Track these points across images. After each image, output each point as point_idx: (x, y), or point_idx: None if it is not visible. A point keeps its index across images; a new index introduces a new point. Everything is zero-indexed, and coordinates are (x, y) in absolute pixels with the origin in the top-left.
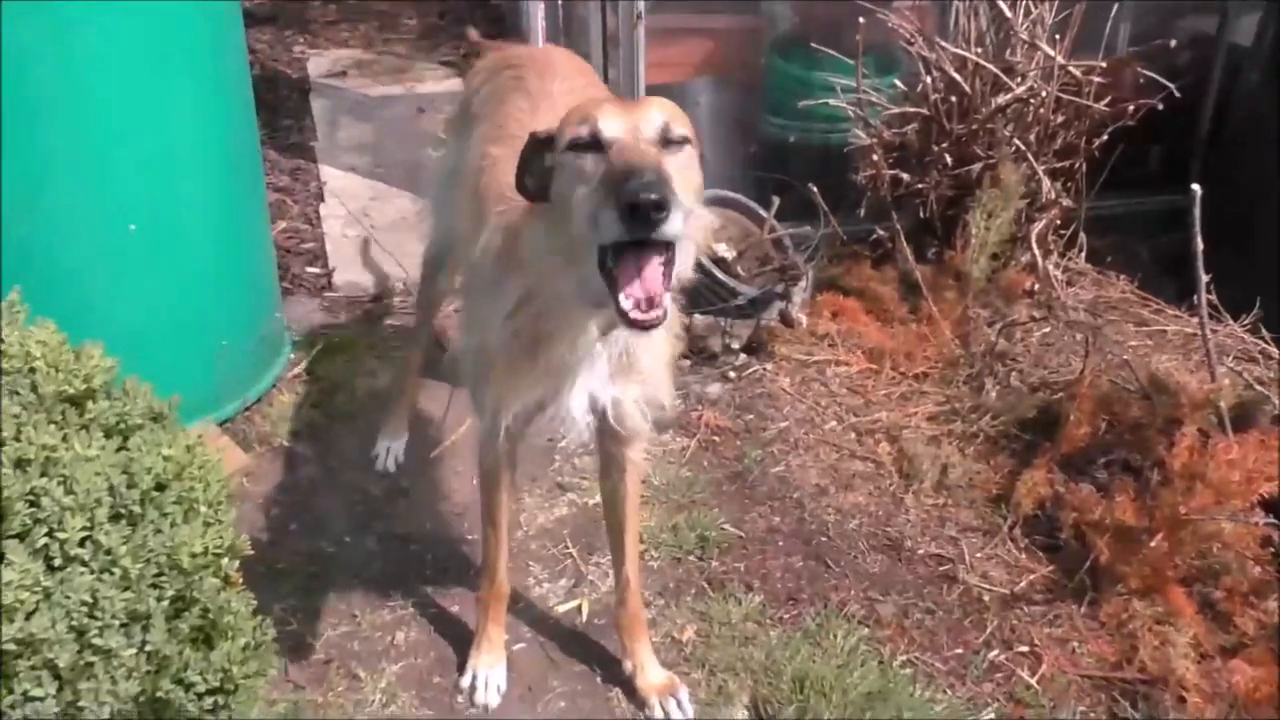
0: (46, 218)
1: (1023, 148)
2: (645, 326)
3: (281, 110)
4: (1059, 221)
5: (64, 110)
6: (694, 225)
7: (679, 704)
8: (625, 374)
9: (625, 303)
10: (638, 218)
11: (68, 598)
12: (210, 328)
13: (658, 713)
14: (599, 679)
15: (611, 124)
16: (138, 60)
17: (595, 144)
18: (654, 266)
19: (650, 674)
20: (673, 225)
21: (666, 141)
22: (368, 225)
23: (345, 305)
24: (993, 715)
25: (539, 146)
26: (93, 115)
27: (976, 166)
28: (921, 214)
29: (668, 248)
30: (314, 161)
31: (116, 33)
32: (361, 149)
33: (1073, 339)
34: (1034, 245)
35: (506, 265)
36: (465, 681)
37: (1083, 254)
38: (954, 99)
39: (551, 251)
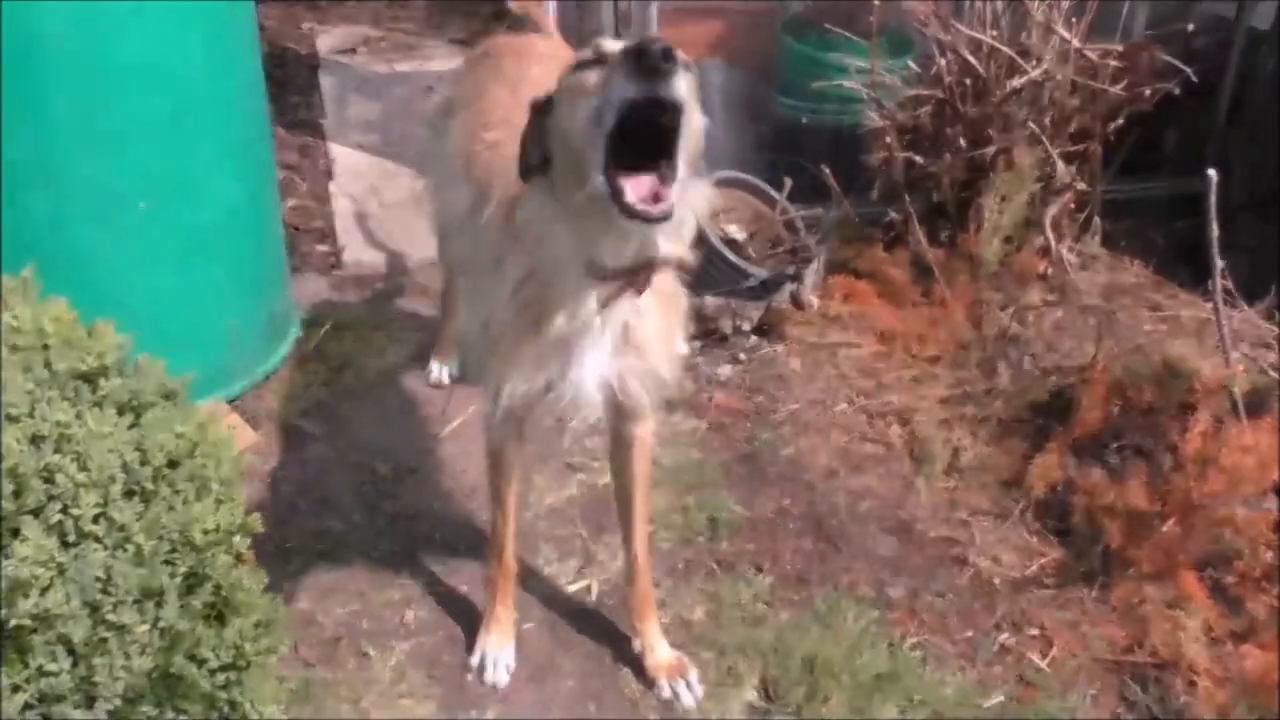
0: (57, 197)
1: (1037, 131)
2: (648, 218)
3: (290, 87)
4: (1073, 205)
5: (75, 88)
6: (694, 138)
7: (688, 684)
8: (628, 349)
9: (628, 195)
10: (647, 67)
11: (82, 573)
12: (219, 305)
13: (666, 693)
14: (608, 659)
15: (614, 43)
16: (150, 38)
17: (598, 59)
18: (652, 178)
19: (659, 654)
20: (681, 84)
21: (668, 59)
22: (376, 203)
23: (354, 283)
24: (1002, 698)
25: (540, 109)
26: (104, 94)
27: (990, 149)
28: (934, 197)
29: (669, 156)
30: (322, 139)
31: (129, 11)
32: (370, 126)
33: (1086, 323)
34: (1048, 229)
35: (509, 243)
36: (475, 660)
37: (1097, 238)
38: (968, 81)
39: (553, 214)
